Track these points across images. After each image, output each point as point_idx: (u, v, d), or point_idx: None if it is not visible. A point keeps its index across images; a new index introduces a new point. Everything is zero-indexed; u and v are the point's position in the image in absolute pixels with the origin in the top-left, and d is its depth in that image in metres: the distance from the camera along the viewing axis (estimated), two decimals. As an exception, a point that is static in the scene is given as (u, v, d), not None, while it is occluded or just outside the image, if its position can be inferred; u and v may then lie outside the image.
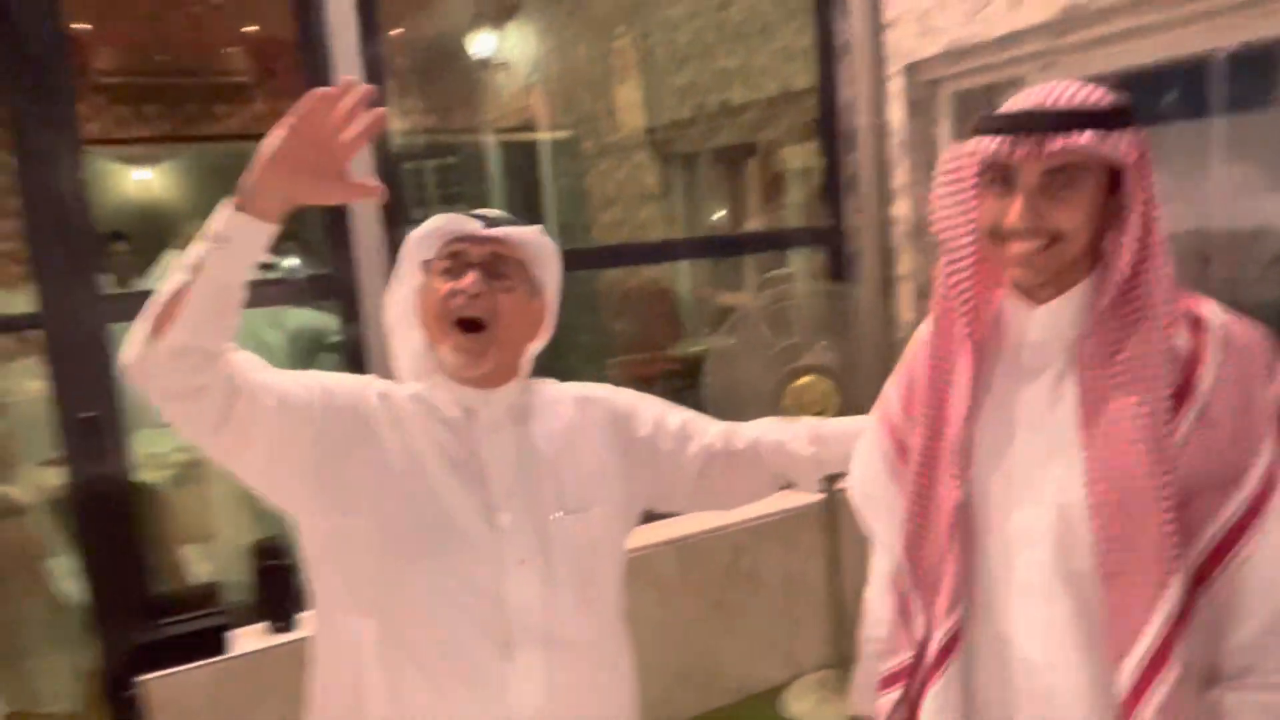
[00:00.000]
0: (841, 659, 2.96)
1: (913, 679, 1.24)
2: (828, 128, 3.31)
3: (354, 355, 2.57)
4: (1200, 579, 1.06)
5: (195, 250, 1.08)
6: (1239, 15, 2.19)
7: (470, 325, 1.25)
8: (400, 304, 1.33)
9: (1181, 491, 1.04)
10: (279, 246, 1.16)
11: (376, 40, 2.54)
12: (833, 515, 2.87)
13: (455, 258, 1.26)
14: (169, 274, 1.10)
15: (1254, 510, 1.04)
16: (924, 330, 1.29)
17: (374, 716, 1.24)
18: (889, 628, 1.31)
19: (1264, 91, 3.10)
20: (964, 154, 1.14)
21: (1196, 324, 1.09)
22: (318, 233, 2.68)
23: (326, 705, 1.31)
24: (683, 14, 4.94)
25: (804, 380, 2.71)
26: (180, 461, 3.80)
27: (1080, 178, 1.06)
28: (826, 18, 3.24)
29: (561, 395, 1.42)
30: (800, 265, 3.95)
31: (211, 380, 1.12)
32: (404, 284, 1.32)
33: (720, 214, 5.30)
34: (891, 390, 1.34)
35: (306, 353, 3.72)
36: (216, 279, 1.07)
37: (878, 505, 1.33)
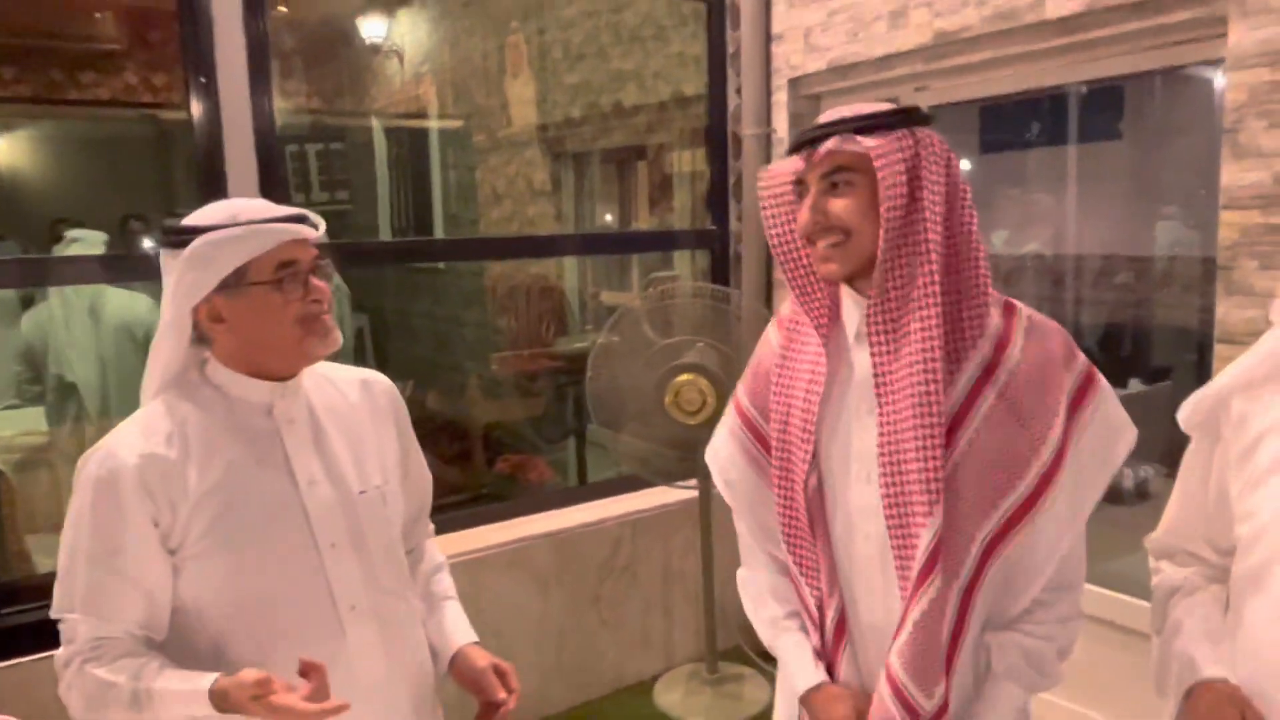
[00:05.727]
0: (712, 651, 3.04)
1: (822, 658, 1.31)
2: (715, 134, 3.40)
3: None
4: (994, 544, 1.18)
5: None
6: (1088, 53, 2.37)
7: None
8: (180, 313, 1.25)
9: (982, 463, 1.17)
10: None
11: (262, 16, 2.47)
12: (706, 511, 2.94)
13: (289, 266, 1.24)
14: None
15: (1044, 483, 1.17)
16: (770, 330, 1.40)
17: None
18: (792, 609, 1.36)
19: (1112, 124, 3.36)
20: (773, 174, 1.29)
21: (1008, 310, 1.23)
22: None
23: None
24: (578, 13, 4.96)
25: (684, 378, 2.77)
26: (26, 445, 3.58)
27: (853, 178, 1.18)
28: (718, 28, 3.32)
29: (342, 376, 1.43)
30: (685, 267, 4.04)
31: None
32: (195, 296, 1.23)
33: (608, 218, 5.35)
34: (742, 384, 1.43)
35: (136, 347, 3.50)
36: None
37: (737, 490, 1.41)
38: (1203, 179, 3.20)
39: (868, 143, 1.15)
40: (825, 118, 1.21)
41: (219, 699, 1.14)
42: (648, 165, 4.84)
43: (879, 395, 1.19)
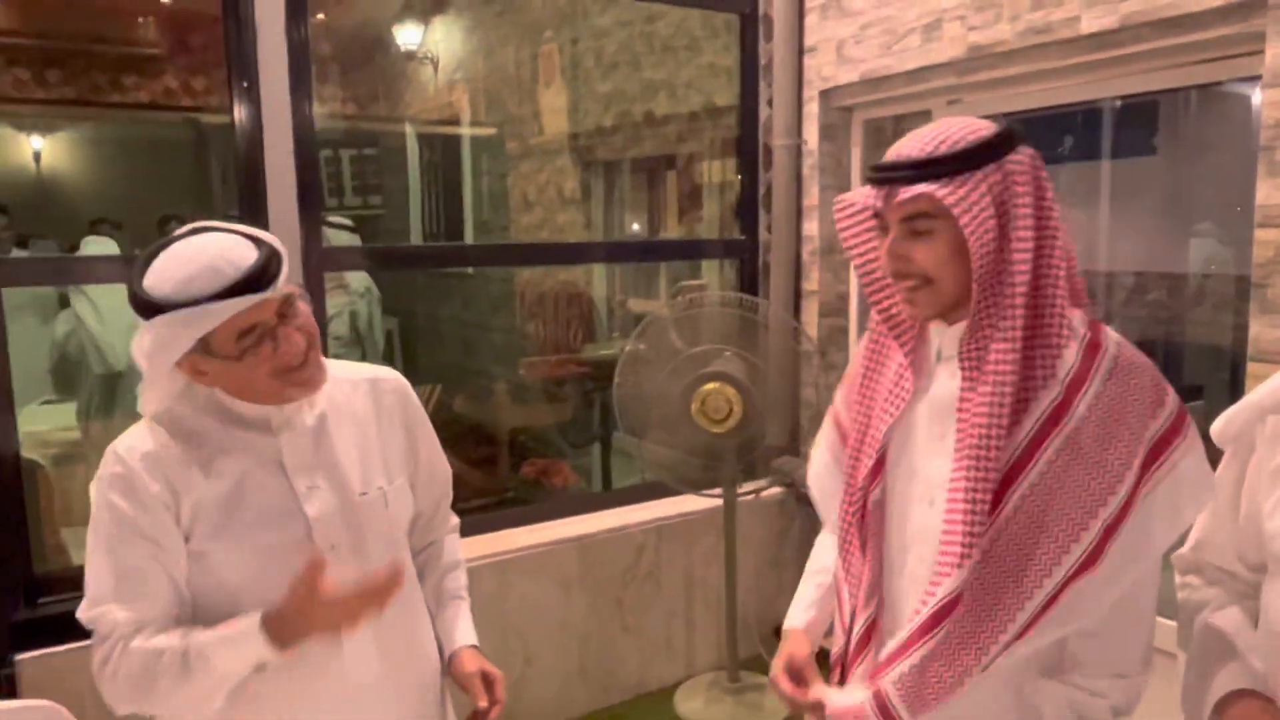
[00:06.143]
0: (733, 659, 3.04)
1: (843, 663, 1.32)
2: (746, 145, 3.42)
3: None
4: (1050, 604, 1.12)
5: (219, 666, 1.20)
6: (1122, 69, 2.37)
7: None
8: (163, 371, 1.24)
9: (1038, 518, 1.11)
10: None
11: (304, 22, 2.52)
12: (730, 520, 2.95)
13: (250, 332, 1.20)
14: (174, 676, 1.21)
15: (1106, 536, 1.10)
16: (866, 334, 1.38)
17: (247, 690, 1.28)
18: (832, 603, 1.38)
19: (1146, 139, 3.34)
20: (849, 204, 1.24)
21: (1092, 348, 1.13)
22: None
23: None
24: (612, 23, 5.00)
25: (710, 387, 2.78)
26: (63, 440, 3.66)
27: (934, 225, 1.12)
28: (750, 39, 3.34)
29: (351, 376, 1.43)
30: (713, 276, 4.05)
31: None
32: (169, 361, 1.21)
33: (637, 227, 5.39)
34: (840, 388, 1.43)
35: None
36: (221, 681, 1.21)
37: (824, 488, 1.43)
38: (1238, 196, 3.17)
39: (950, 198, 1.08)
40: (905, 149, 1.14)
41: (274, 626, 1.17)
42: (677, 175, 4.86)
43: (959, 424, 1.15)
